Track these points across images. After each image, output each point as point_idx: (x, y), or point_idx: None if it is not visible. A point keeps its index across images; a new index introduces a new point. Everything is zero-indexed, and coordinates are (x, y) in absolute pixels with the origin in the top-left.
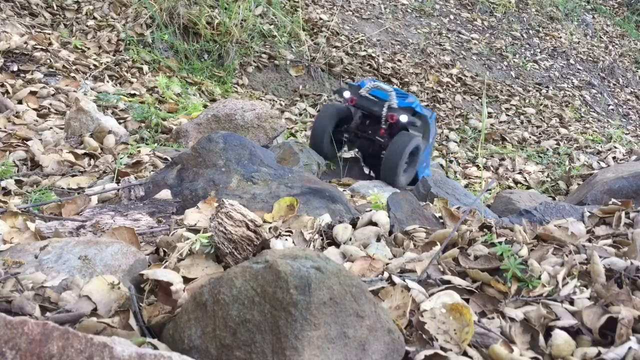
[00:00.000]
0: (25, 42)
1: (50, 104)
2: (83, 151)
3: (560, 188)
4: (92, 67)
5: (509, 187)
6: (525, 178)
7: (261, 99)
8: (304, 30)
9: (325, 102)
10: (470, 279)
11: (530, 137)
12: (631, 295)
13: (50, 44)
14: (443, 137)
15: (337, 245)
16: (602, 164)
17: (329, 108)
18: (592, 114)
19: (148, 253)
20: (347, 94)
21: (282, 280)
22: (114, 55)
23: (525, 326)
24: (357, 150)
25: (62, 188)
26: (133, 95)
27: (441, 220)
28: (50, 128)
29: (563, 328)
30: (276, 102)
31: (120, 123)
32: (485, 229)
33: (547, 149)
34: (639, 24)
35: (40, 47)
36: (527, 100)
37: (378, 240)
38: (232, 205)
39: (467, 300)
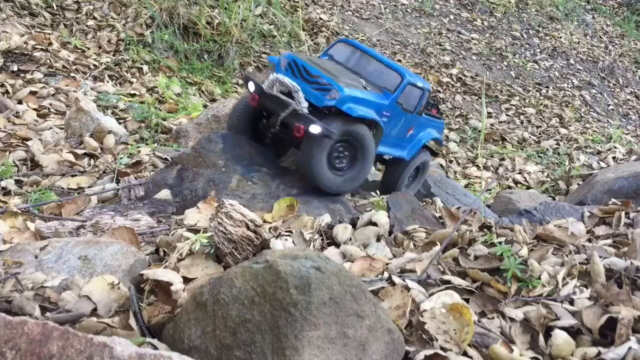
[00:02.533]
0: (25, 42)
1: (50, 104)
2: (83, 151)
3: (560, 188)
4: (92, 67)
5: (509, 187)
6: (525, 178)
7: None
8: (304, 30)
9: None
10: (470, 279)
11: (530, 137)
12: (631, 295)
13: (50, 44)
14: (443, 137)
15: (337, 245)
16: (602, 164)
17: (240, 104)
18: (592, 114)
19: (148, 253)
20: (251, 87)
21: (282, 280)
22: (114, 55)
23: (525, 326)
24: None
25: (62, 188)
26: (133, 95)
27: (441, 220)
28: (50, 128)
29: (563, 328)
30: None
31: (120, 123)
32: (485, 229)
33: (547, 149)
34: (639, 24)
35: (40, 47)
36: (527, 100)
37: (378, 240)
38: (232, 205)
39: (467, 300)
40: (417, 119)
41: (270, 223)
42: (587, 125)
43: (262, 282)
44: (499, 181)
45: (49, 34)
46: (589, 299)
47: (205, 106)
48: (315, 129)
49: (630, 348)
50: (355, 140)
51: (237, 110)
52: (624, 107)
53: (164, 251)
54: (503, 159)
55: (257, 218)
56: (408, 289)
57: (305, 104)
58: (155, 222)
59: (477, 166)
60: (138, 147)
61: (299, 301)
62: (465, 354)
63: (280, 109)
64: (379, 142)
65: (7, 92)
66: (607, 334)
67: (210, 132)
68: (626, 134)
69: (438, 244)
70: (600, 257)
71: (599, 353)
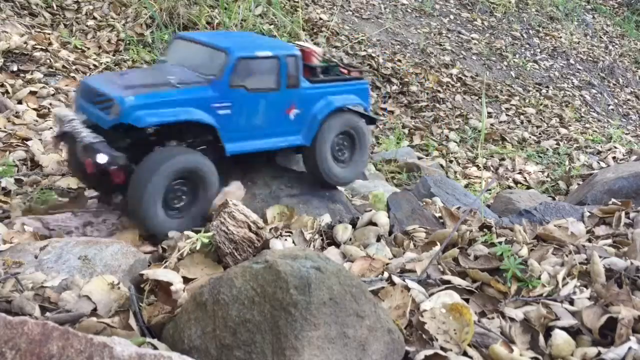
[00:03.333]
0: (25, 42)
1: (50, 104)
2: None
3: (560, 188)
4: (92, 67)
5: (509, 187)
6: (525, 178)
7: None
8: (304, 30)
9: None
10: (470, 279)
11: (530, 137)
12: (631, 295)
13: (50, 44)
14: (443, 137)
15: (337, 245)
16: (602, 164)
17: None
18: (592, 114)
19: (149, 252)
20: (63, 117)
21: (282, 280)
22: (113, 55)
23: (525, 326)
24: None
25: (62, 188)
26: None
27: (441, 220)
28: (50, 128)
29: (563, 328)
30: None
31: None
32: (485, 229)
33: (547, 149)
34: (639, 24)
35: (40, 47)
36: (527, 100)
37: (378, 240)
38: (235, 205)
39: (467, 300)
40: (298, 94)
41: (271, 224)
42: (587, 125)
43: (262, 282)
44: (499, 181)
45: (49, 34)
46: (589, 299)
47: None
48: (101, 158)
49: (630, 348)
50: (191, 175)
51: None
52: (624, 107)
53: (163, 248)
54: (503, 159)
55: (260, 220)
56: (408, 289)
57: (85, 133)
58: None
59: (477, 166)
60: None
61: (299, 301)
62: (465, 354)
63: (75, 144)
64: (228, 138)
65: (7, 92)
66: (607, 334)
67: None
68: (626, 134)
69: (438, 244)
70: (600, 257)
71: (599, 353)
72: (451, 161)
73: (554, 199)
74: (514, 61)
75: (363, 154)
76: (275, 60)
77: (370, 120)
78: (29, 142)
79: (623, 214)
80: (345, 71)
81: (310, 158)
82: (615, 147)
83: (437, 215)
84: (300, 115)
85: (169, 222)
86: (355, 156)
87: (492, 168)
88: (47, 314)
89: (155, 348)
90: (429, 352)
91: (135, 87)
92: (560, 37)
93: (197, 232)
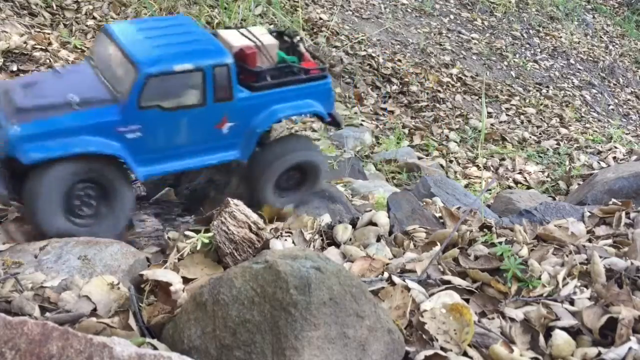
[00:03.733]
0: (25, 42)
1: None
2: None
3: (560, 188)
4: None
5: (509, 187)
6: (525, 178)
7: None
8: (303, 30)
9: None
10: (470, 279)
11: (530, 137)
12: (631, 296)
13: (49, 43)
14: (443, 137)
15: (337, 245)
16: (603, 164)
17: None
18: (592, 114)
19: (153, 252)
20: None
21: (282, 281)
22: None
23: (525, 326)
24: None
25: None
26: None
27: (441, 220)
28: None
29: (563, 328)
30: None
31: None
32: (485, 229)
33: (547, 149)
34: (639, 24)
35: (39, 46)
36: (527, 100)
37: (378, 240)
38: (236, 205)
39: (467, 301)
40: (230, 106)
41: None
42: (588, 125)
43: (262, 282)
44: (499, 181)
45: (49, 33)
46: (589, 299)
47: None
48: None
49: (630, 348)
50: (100, 179)
51: None
52: (625, 107)
53: (162, 249)
54: (503, 159)
55: (260, 221)
56: (408, 289)
57: None
58: (160, 224)
59: (477, 166)
60: None
61: (299, 301)
62: (465, 354)
63: None
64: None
65: None
66: (607, 334)
67: None
68: (626, 134)
69: (438, 244)
70: (600, 257)
71: (599, 353)
72: (451, 161)
73: (554, 199)
74: (514, 61)
75: (311, 188)
76: (198, 74)
77: (335, 124)
78: None
79: (623, 214)
80: (311, 58)
81: (250, 180)
82: (616, 147)
83: (437, 215)
84: (235, 128)
85: (75, 231)
86: (303, 188)
87: (492, 168)
88: (47, 314)
89: (155, 348)
90: (429, 352)
91: (27, 112)
92: (561, 37)
93: (197, 231)
